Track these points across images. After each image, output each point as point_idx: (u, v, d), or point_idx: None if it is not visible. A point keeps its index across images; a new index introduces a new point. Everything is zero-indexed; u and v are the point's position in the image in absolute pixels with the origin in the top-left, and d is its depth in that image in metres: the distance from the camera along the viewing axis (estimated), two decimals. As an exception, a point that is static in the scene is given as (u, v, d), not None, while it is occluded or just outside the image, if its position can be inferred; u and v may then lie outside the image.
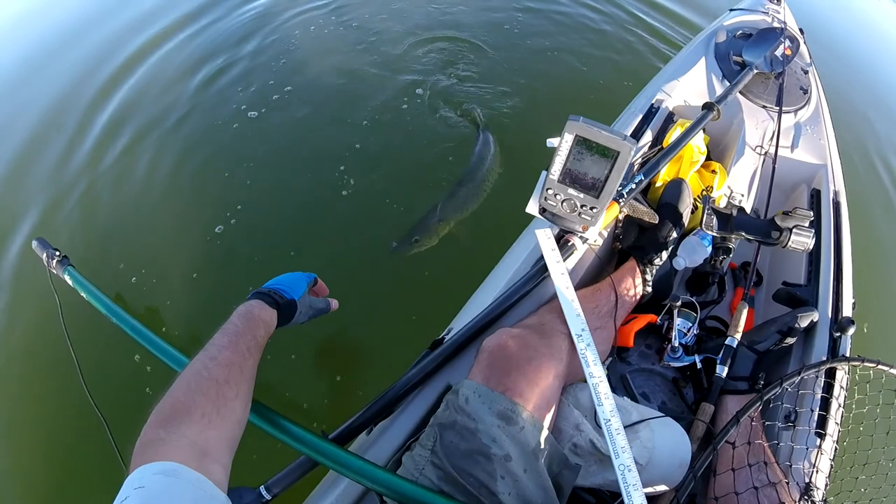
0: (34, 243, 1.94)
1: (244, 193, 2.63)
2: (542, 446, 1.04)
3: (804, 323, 1.38)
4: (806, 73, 2.14)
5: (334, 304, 1.51)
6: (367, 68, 3.42)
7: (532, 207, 1.31)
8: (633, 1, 4.33)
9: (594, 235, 1.33)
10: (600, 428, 1.11)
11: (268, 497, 1.08)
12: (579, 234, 1.33)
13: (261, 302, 1.16)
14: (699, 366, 1.41)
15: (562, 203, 1.23)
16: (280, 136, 2.94)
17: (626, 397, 1.30)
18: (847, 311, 1.49)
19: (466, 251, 2.32)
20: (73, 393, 1.71)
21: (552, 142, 1.27)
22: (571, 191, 1.20)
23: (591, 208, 1.21)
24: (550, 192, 1.22)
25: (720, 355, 1.38)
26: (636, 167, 1.65)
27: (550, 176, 1.21)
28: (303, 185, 2.69)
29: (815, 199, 1.79)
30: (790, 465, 1.16)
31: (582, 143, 1.14)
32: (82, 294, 1.73)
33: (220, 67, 3.41)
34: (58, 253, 1.88)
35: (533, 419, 1.05)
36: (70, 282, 1.79)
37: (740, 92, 1.92)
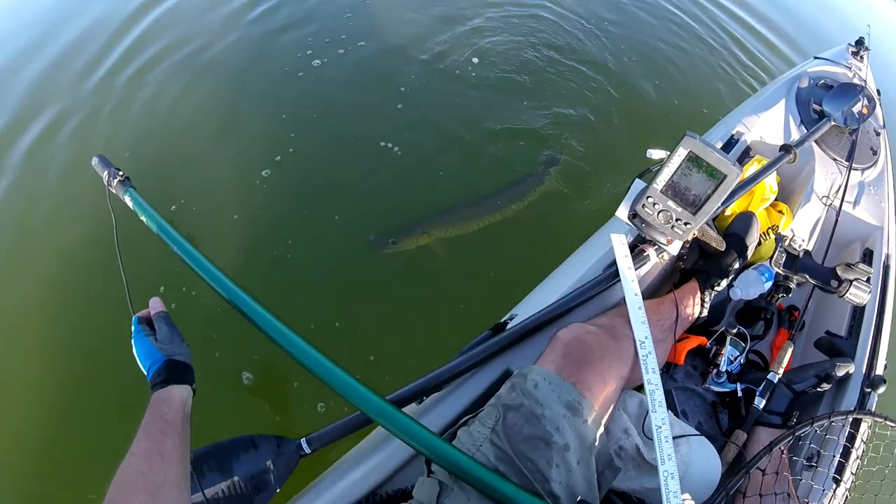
0: (94, 160, 1.85)
1: (297, 139, 2.63)
2: (597, 443, 1.08)
3: (840, 373, 1.42)
4: (878, 134, 2.17)
5: (154, 305, 1.26)
6: (434, 32, 3.41)
7: (622, 212, 1.33)
8: (731, 23, 4.34)
9: (676, 250, 1.36)
10: (646, 436, 1.15)
11: (308, 450, 1.10)
12: (657, 245, 1.36)
13: (154, 393, 1.06)
14: (740, 394, 1.45)
15: (658, 213, 1.25)
16: (341, 89, 2.94)
17: (668, 411, 1.34)
18: (880, 369, 1.54)
19: (526, 251, 2.33)
20: (113, 311, 1.75)
21: (654, 153, 1.30)
22: (671, 203, 1.23)
23: (686, 224, 1.24)
24: (650, 200, 1.25)
25: (760, 388, 1.42)
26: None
27: (654, 185, 1.23)
28: (356, 140, 2.70)
29: (867, 258, 1.83)
30: (807, 503, 1.20)
31: (693, 160, 1.17)
32: (142, 217, 1.64)
33: (297, 19, 3.40)
34: (120, 173, 1.77)
35: (595, 414, 1.08)
36: (130, 204, 1.69)
37: (815, 140, 1.95)
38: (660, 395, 1.16)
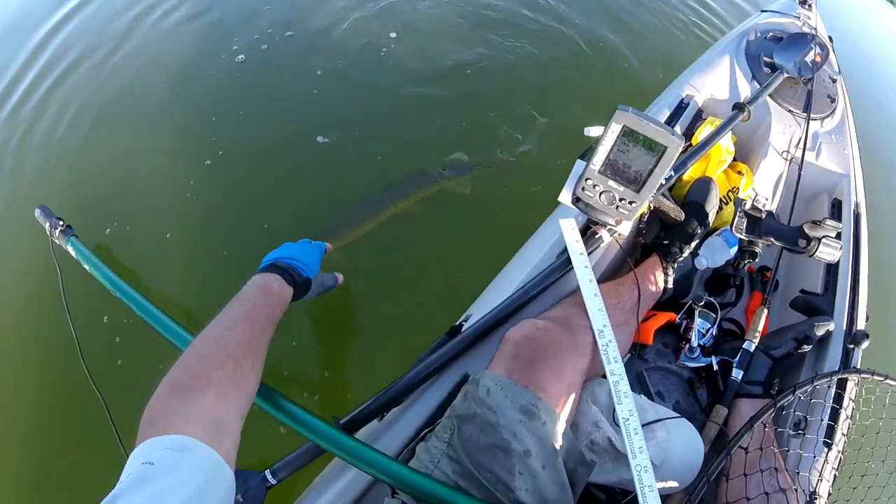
0: (37, 211, 1.88)
1: (224, 143, 2.53)
2: (561, 442, 1.02)
3: (820, 332, 1.36)
4: (834, 81, 2.12)
5: (340, 278, 1.50)
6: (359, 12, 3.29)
7: (565, 196, 1.27)
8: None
9: (627, 230, 1.30)
10: (618, 426, 1.09)
11: (273, 481, 1.06)
12: (608, 227, 1.30)
13: (279, 278, 1.13)
14: (716, 367, 1.40)
15: (600, 195, 1.19)
16: (267, 84, 2.84)
17: (642, 395, 1.29)
18: (861, 323, 1.49)
19: (482, 247, 2.22)
20: (65, 362, 1.69)
21: (591, 130, 1.24)
22: (612, 183, 1.16)
23: (631, 202, 1.17)
24: (589, 182, 1.18)
25: (737, 358, 1.37)
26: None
27: (591, 166, 1.16)
28: (283, 136, 2.60)
29: (836, 209, 1.78)
30: (798, 473, 1.15)
31: (628, 135, 1.10)
32: (85, 266, 1.66)
33: (215, 17, 3.27)
34: (61, 222, 1.81)
35: (554, 414, 1.02)
36: (73, 253, 1.72)
37: (769, 95, 1.89)
38: (624, 386, 1.10)
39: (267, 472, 1.06)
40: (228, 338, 0.89)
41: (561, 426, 1.03)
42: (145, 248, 2.16)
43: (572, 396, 1.09)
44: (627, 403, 1.08)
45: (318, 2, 3.37)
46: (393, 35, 3.15)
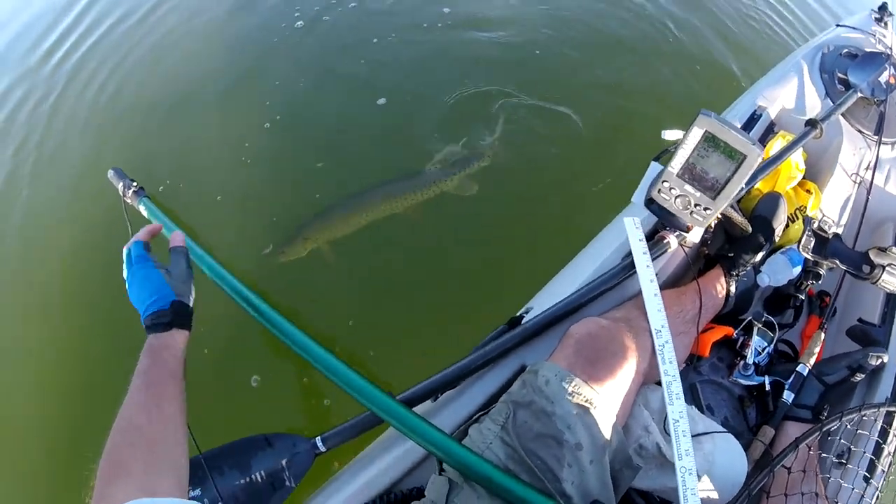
0: (110, 173, 1.94)
1: (281, 107, 2.55)
2: (612, 441, 1.02)
3: (874, 362, 1.34)
4: None
5: (177, 238, 1.18)
6: None
7: (638, 197, 1.26)
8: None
9: (697, 237, 1.28)
10: (667, 433, 1.09)
11: (323, 449, 1.09)
12: (677, 232, 1.29)
13: (153, 334, 1.02)
14: (768, 387, 1.37)
15: (675, 199, 1.18)
16: (325, 53, 2.85)
17: (693, 406, 1.27)
18: None
19: (543, 241, 2.21)
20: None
21: (668, 134, 1.22)
22: (689, 188, 1.15)
23: (706, 209, 1.16)
24: (666, 185, 1.17)
25: (789, 380, 1.35)
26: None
27: (670, 169, 1.15)
28: (341, 105, 2.62)
29: None
30: (836, 503, 1.14)
31: (710, 140, 1.09)
32: None
33: None
34: (134, 183, 1.87)
35: (609, 412, 1.03)
36: (145, 213, 1.77)
37: (841, 114, 1.84)
38: (677, 387, 1.10)
39: (318, 440, 1.09)
40: (130, 415, 0.87)
41: (613, 425, 1.03)
42: (195, 209, 2.19)
43: (627, 398, 1.09)
44: (679, 405, 1.08)
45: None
46: (446, 11, 3.12)
